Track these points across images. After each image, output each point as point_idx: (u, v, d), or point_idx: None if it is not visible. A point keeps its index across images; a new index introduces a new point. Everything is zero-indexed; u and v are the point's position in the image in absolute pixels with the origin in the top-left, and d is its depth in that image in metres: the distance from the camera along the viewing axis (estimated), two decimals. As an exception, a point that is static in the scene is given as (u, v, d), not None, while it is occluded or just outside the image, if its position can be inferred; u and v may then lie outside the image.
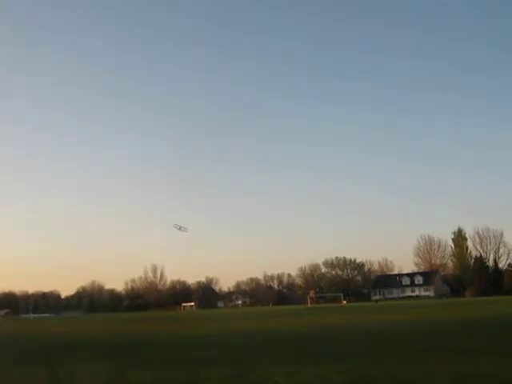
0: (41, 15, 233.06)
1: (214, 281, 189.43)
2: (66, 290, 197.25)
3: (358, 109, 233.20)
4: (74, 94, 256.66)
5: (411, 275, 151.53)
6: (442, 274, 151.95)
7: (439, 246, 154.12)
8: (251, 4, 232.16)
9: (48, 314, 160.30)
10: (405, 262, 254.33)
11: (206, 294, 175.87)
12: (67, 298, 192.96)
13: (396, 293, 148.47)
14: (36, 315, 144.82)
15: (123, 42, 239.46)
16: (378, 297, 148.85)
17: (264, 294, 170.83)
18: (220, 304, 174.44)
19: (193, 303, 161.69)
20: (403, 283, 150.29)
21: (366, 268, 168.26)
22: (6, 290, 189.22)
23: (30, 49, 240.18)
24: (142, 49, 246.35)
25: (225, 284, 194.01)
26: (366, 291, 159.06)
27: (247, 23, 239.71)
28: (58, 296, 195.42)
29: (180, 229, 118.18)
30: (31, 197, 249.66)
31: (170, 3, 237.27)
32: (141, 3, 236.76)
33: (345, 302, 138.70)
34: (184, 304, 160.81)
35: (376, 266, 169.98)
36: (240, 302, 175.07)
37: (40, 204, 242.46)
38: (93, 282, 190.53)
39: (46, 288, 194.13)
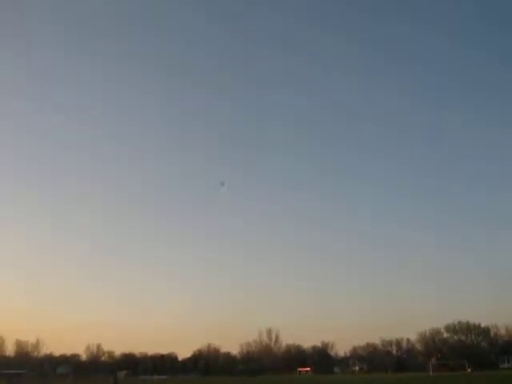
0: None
1: (330, 345, 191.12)
2: (184, 352, 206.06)
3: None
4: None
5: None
6: None
7: None
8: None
9: (165, 376, 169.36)
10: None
11: (322, 359, 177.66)
12: (184, 361, 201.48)
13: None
14: (157, 377, 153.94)
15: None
16: (505, 365, 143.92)
17: (381, 360, 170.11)
18: (336, 369, 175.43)
19: (309, 368, 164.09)
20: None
21: (491, 333, 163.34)
22: (127, 352, 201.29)
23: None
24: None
25: (341, 349, 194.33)
26: (493, 358, 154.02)
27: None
28: (176, 358, 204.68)
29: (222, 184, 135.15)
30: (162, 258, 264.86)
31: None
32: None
33: (469, 370, 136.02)
34: (300, 369, 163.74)
35: (503, 331, 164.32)
36: (357, 367, 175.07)
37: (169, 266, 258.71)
38: (209, 345, 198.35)
39: (164, 350, 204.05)
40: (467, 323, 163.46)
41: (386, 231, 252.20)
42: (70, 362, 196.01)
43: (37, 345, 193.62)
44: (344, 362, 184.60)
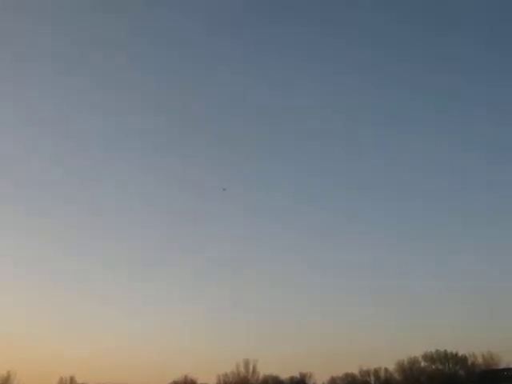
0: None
1: (308, 375, 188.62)
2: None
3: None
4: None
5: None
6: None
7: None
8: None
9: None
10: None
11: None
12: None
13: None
14: None
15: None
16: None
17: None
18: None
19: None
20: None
21: (469, 362, 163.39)
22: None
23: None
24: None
25: (319, 379, 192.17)
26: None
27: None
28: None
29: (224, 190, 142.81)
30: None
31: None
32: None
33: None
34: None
35: (480, 360, 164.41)
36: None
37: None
38: (185, 377, 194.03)
39: (139, 382, 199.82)
40: (445, 352, 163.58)
41: (372, 263, 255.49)
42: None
43: (8, 377, 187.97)
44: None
